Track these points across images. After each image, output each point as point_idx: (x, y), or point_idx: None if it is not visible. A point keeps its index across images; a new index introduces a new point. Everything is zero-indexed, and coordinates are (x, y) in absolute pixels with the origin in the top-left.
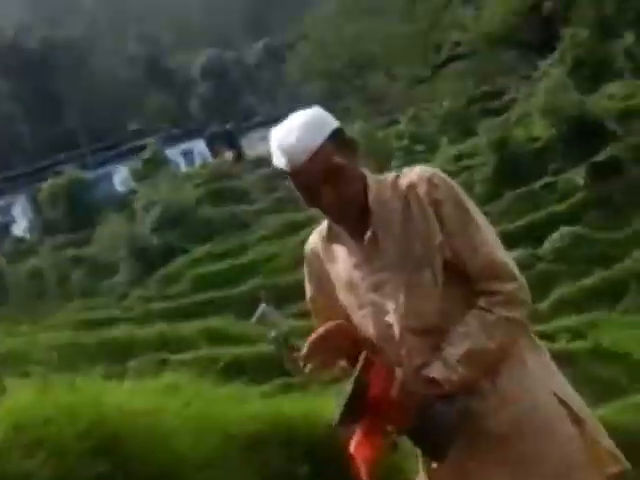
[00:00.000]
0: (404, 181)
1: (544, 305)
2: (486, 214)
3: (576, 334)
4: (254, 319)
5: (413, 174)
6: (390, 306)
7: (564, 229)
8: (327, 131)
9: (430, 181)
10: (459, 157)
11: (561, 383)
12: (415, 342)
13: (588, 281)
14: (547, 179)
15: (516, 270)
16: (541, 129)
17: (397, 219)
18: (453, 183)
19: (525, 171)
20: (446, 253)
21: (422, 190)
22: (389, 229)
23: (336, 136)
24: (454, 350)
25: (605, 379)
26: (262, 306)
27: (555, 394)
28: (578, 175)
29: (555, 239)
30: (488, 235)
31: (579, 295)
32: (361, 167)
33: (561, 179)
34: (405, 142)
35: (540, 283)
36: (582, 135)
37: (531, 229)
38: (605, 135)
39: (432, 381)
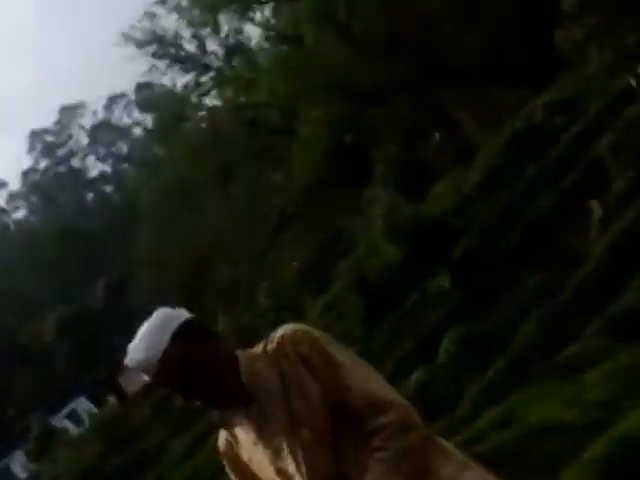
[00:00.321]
0: (271, 346)
1: (463, 410)
2: (373, 350)
3: (502, 425)
4: None
5: (277, 337)
6: (292, 468)
7: (451, 334)
8: (171, 330)
9: (292, 340)
10: (328, 308)
11: (479, 476)
12: None
13: (492, 372)
14: (417, 294)
15: (396, 397)
16: (391, 252)
17: (275, 385)
18: (315, 333)
19: (390, 295)
20: (328, 403)
21: (289, 350)
22: (270, 397)
23: (184, 329)
24: None
25: (547, 454)
26: None
27: None
28: (443, 279)
29: (447, 346)
30: (360, 374)
31: (489, 388)
32: (227, 347)
33: (429, 288)
34: (271, 316)
35: (449, 392)
36: (431, 241)
37: (422, 346)
38: (452, 232)
39: None
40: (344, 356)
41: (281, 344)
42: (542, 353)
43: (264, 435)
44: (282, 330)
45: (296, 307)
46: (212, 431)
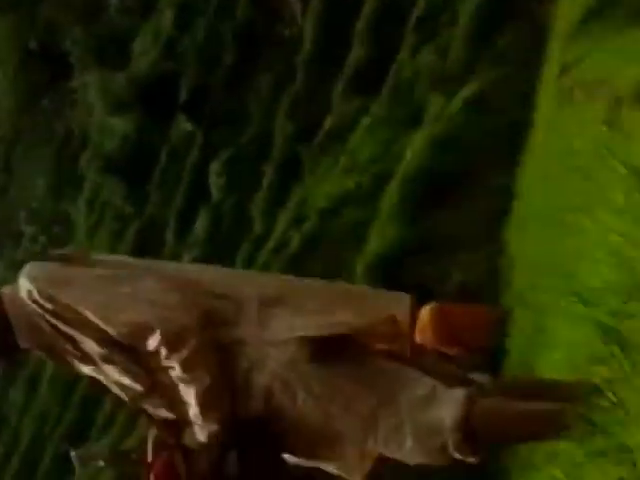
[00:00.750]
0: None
1: (259, 231)
2: (150, 221)
3: (298, 220)
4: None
5: (22, 294)
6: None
7: (214, 166)
8: None
9: (31, 298)
10: (91, 204)
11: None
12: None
13: (267, 179)
14: (166, 148)
15: (153, 311)
16: (122, 124)
17: (50, 332)
18: (41, 282)
19: (141, 161)
20: (102, 343)
21: (35, 309)
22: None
23: None
24: (192, 412)
25: (351, 225)
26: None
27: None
28: (182, 123)
29: (215, 184)
30: (103, 306)
31: (270, 195)
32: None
33: (174, 138)
34: (42, 240)
35: (237, 219)
36: (152, 95)
37: (194, 191)
38: (169, 77)
39: (202, 449)
40: (79, 290)
41: (26, 303)
42: (302, 141)
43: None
44: (20, 287)
45: (62, 219)
46: (42, 368)
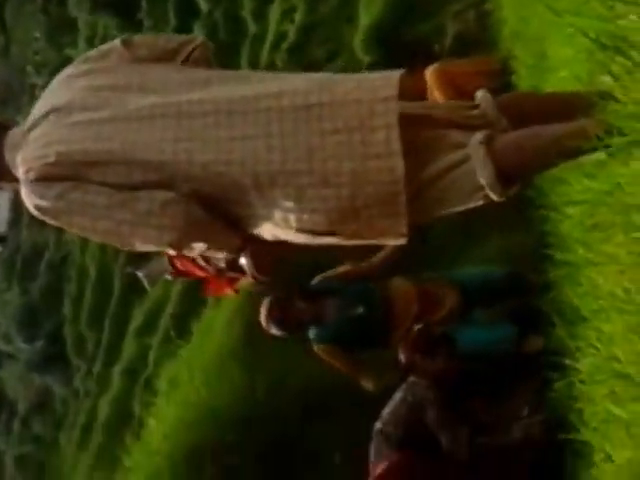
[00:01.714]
0: None
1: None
2: None
3: None
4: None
5: None
6: None
7: None
8: None
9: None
10: (90, 44)
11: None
12: None
13: None
14: None
15: (156, 238)
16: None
17: None
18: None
19: None
20: None
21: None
22: None
23: None
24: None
25: None
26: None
27: None
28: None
29: None
30: (114, 234)
31: None
32: None
33: None
34: None
35: None
36: None
37: None
38: None
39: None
40: (84, 217)
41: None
42: None
43: None
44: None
45: (68, 63)
46: None
